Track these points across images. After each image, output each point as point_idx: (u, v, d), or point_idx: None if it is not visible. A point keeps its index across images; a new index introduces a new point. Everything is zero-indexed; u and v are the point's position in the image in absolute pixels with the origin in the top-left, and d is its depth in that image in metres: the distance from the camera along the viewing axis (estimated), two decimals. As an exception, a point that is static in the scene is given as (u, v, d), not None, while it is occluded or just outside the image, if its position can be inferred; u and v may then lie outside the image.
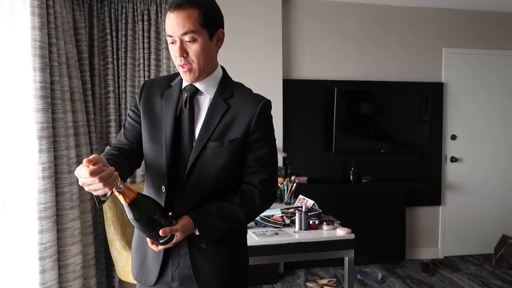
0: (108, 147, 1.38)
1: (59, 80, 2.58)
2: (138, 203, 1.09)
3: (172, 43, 1.23)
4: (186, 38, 1.19)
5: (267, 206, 1.35)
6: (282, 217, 2.52)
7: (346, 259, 2.32)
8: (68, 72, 2.73)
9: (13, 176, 2.36)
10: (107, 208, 2.78)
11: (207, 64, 1.27)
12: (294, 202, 2.88)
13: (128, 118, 1.41)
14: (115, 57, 3.24)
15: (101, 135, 3.21)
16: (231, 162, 1.27)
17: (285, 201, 3.04)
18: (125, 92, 3.24)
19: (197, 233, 1.24)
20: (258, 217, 2.48)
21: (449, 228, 4.29)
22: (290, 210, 2.64)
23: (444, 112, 4.21)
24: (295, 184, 3.02)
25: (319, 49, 3.96)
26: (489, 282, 3.65)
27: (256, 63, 3.67)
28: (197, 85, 1.30)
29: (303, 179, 3.77)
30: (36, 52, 2.36)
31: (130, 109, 1.42)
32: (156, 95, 1.35)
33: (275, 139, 1.37)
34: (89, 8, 3.15)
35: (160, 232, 1.14)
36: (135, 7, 3.21)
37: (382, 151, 3.99)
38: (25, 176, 2.39)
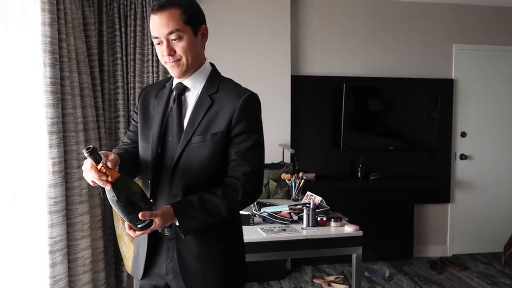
0: (114, 149, 1.44)
1: (69, 76, 2.60)
2: (120, 183, 1.10)
3: (159, 44, 1.27)
4: (172, 37, 1.25)
5: (250, 200, 1.34)
6: (289, 213, 2.52)
7: (354, 256, 2.32)
8: (78, 68, 2.75)
9: (24, 170, 2.39)
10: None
11: (194, 59, 1.31)
12: (301, 199, 2.88)
13: (132, 121, 1.51)
14: (124, 53, 3.25)
15: (110, 130, 3.23)
16: (215, 155, 1.29)
17: (292, 197, 3.04)
18: (134, 88, 3.26)
19: (177, 222, 1.24)
20: (266, 213, 2.48)
21: (458, 226, 4.25)
22: (298, 207, 2.64)
23: (454, 109, 4.17)
24: (302, 181, 3.02)
25: (328, 45, 3.93)
26: (498, 280, 3.62)
27: (264, 59, 3.66)
28: (185, 82, 1.35)
29: (311, 175, 3.76)
30: (46, 47, 2.37)
31: (133, 111, 1.51)
32: (151, 97, 1.42)
33: (260, 133, 1.37)
34: (98, 4, 3.16)
35: (140, 215, 1.14)
36: (144, 2, 3.22)
37: (390, 148, 3.96)
38: (35, 170, 2.42)
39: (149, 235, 1.33)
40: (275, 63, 3.69)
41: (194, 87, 1.35)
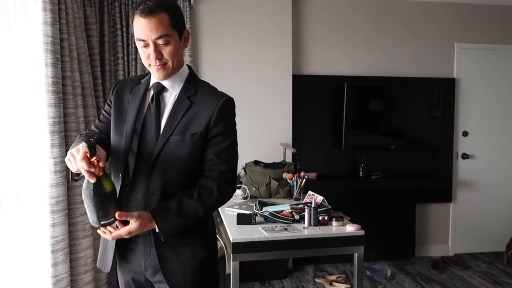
0: (79, 136, 1.48)
1: (71, 75, 2.61)
2: (102, 179, 1.15)
3: (144, 46, 1.29)
4: (160, 41, 1.27)
5: (226, 198, 1.40)
6: (291, 212, 2.52)
7: (356, 255, 2.32)
8: (79, 67, 2.75)
9: (26, 170, 2.39)
10: (117, 203, 2.80)
11: (178, 63, 1.36)
12: (303, 198, 2.88)
13: (103, 111, 1.52)
14: (125, 52, 3.25)
15: (112, 130, 3.23)
16: (193, 154, 1.34)
17: (294, 197, 3.03)
18: (135, 87, 3.25)
19: (157, 229, 1.28)
20: (267, 213, 2.48)
21: (459, 226, 4.24)
22: (300, 206, 2.64)
23: (456, 108, 4.16)
24: (304, 180, 3.02)
25: (329, 45, 3.93)
26: (500, 280, 3.61)
27: (265, 59, 3.66)
28: (164, 82, 1.38)
29: (312, 175, 3.76)
30: (48, 47, 2.38)
31: (106, 103, 1.52)
32: (126, 90, 1.44)
33: (235, 134, 1.43)
34: (99, 3, 3.16)
35: (117, 215, 1.20)
36: (145, 2, 3.22)
37: (392, 147, 3.96)
38: (37, 170, 2.42)
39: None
40: (277, 63, 3.69)
41: (173, 88, 1.39)
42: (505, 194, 4.29)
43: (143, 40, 1.27)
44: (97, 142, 1.32)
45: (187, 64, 1.45)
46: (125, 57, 3.26)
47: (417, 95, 4.02)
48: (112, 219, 1.20)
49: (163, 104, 1.38)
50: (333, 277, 3.51)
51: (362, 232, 2.32)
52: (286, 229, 2.32)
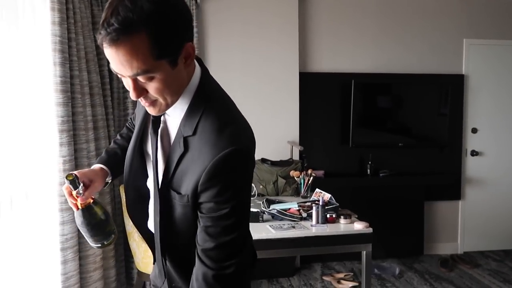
0: (111, 145, 1.33)
1: (79, 75, 2.62)
2: (88, 210, 1.12)
3: (122, 76, 0.90)
4: (140, 78, 0.87)
5: (219, 283, 0.97)
6: (299, 210, 2.52)
7: (364, 253, 2.31)
8: (87, 67, 2.77)
9: (35, 169, 2.42)
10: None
11: (175, 94, 0.95)
12: (310, 196, 2.87)
13: (131, 117, 1.34)
14: (132, 51, 3.26)
15: (119, 129, 3.25)
16: (185, 220, 1.01)
17: (301, 194, 3.03)
18: (143, 86, 3.27)
19: None
20: (275, 211, 2.48)
21: (469, 223, 4.21)
22: (307, 204, 2.63)
23: (465, 104, 4.12)
24: (311, 178, 3.01)
25: (336, 42, 3.91)
26: (510, 278, 3.57)
27: (272, 56, 3.65)
28: None
29: (320, 172, 3.75)
30: (56, 47, 2.40)
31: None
32: None
33: (240, 196, 0.97)
34: (106, 2, 3.17)
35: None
36: (152, 1, 3.23)
37: (400, 144, 3.93)
38: (47, 169, 2.45)
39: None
40: (283, 60, 3.68)
41: (174, 115, 1.00)
42: (515, 192, 4.24)
43: (118, 73, 0.89)
44: (123, 149, 1.23)
45: (201, 67, 1.02)
46: (132, 56, 3.27)
47: (425, 91, 3.98)
48: (112, 236, 1.18)
49: (165, 134, 1.03)
50: (341, 275, 3.51)
51: (370, 230, 2.31)
52: (293, 227, 2.32)
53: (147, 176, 1.16)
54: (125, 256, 3.21)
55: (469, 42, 4.09)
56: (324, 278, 3.51)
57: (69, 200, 1.09)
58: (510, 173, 4.23)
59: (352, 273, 3.59)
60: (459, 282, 3.48)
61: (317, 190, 2.75)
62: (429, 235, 4.14)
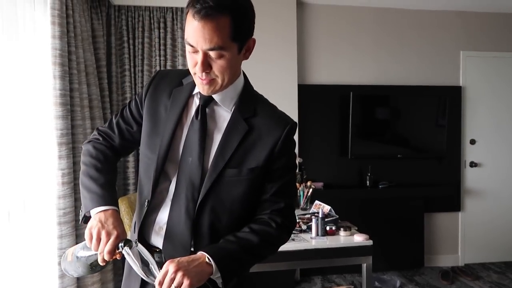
0: (97, 139, 1.22)
1: (78, 88, 2.64)
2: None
3: (193, 52, 1.02)
4: (212, 53, 1.00)
5: (288, 237, 1.17)
6: (298, 222, 2.51)
7: (364, 266, 2.29)
8: (87, 80, 2.78)
9: (34, 182, 2.41)
10: (124, 214, 2.80)
11: (231, 79, 1.08)
12: (310, 208, 2.86)
13: (128, 111, 1.22)
14: (132, 64, 3.29)
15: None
16: (249, 192, 1.10)
17: (301, 206, 3.02)
18: (142, 98, 3.28)
19: (215, 275, 1.00)
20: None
21: (469, 235, 4.19)
22: (307, 216, 2.62)
23: (463, 116, 4.14)
24: (311, 190, 3.00)
25: (334, 54, 3.94)
26: (512, 290, 3.55)
27: (271, 68, 3.68)
28: (213, 94, 1.11)
29: (319, 184, 3.74)
30: (56, 60, 2.41)
31: (135, 99, 1.23)
32: (164, 92, 1.16)
33: (296, 166, 1.22)
34: (106, 17, 3.21)
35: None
36: (151, 15, 3.26)
37: (399, 156, 3.94)
38: (45, 181, 2.44)
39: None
40: (282, 72, 3.70)
41: (223, 103, 1.11)
42: (515, 203, 4.23)
43: (192, 46, 1.00)
44: (109, 159, 1.19)
45: (243, 72, 1.18)
46: (132, 69, 3.29)
47: (423, 103, 4.00)
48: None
49: (212, 122, 1.11)
50: (341, 288, 3.47)
51: (370, 242, 2.30)
52: (293, 240, 2.31)
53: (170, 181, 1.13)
54: (123, 269, 3.17)
55: (466, 54, 4.13)
56: (324, 291, 3.48)
57: (107, 259, 1.02)
58: (509, 184, 4.23)
59: (353, 286, 3.56)
60: (461, 295, 3.45)
61: (317, 202, 2.75)
62: (430, 247, 4.12)
